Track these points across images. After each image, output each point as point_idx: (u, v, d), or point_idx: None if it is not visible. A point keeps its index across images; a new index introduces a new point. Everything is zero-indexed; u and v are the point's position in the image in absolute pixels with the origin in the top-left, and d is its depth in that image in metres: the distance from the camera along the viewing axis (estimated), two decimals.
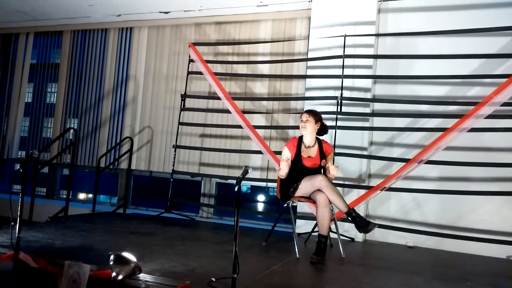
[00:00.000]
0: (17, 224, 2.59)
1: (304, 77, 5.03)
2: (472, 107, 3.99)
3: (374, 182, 4.48)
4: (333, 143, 4.38)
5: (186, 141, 5.74)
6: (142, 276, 2.51)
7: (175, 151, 5.31)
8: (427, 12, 4.66)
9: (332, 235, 3.88)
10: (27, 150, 6.91)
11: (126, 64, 6.33)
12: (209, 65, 5.21)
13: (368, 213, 4.62)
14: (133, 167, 5.96)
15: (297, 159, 3.56)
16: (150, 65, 6.16)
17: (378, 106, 4.76)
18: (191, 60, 5.30)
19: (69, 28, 6.67)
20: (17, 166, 6.31)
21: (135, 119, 6.18)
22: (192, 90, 5.74)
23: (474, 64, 4.37)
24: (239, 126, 4.95)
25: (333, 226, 3.73)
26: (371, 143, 4.72)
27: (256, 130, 4.84)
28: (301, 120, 3.57)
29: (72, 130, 5.66)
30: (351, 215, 3.31)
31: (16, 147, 6.91)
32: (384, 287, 2.78)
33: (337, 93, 4.52)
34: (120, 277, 2.36)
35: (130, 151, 5.85)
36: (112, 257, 2.39)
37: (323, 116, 3.68)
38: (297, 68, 5.35)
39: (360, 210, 4.19)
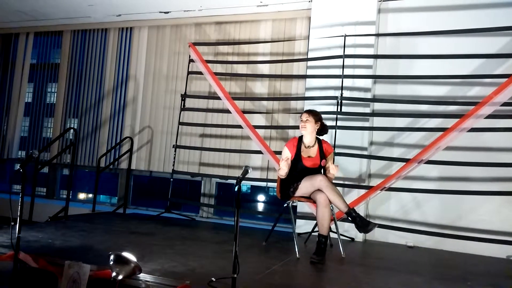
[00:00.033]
0: (17, 224, 2.59)
1: (304, 77, 5.03)
2: (472, 107, 4.00)
3: (374, 182, 4.48)
4: (333, 143, 4.38)
5: (186, 141, 5.74)
6: (142, 276, 2.51)
7: (175, 151, 5.31)
8: (427, 12, 4.66)
9: (332, 235, 3.88)
10: (27, 150, 6.91)
11: (126, 64, 6.33)
12: (209, 65, 5.21)
13: (368, 213, 4.62)
14: (133, 167, 5.96)
15: (297, 159, 3.56)
16: (150, 65, 6.16)
17: (378, 106, 4.77)
18: (191, 60, 5.30)
19: (69, 28, 6.67)
20: (17, 166, 6.31)
21: (135, 119, 6.18)
22: (192, 90, 5.74)
23: (474, 64, 4.37)
24: (239, 126, 4.95)
25: (333, 226, 3.73)
26: (371, 143, 4.72)
27: (256, 130, 4.84)
28: (301, 120, 3.57)
29: (72, 130, 5.66)
30: (351, 215, 3.31)
31: (16, 147, 6.91)
32: (384, 287, 2.78)
33: (337, 93, 4.52)
34: (120, 277, 2.36)
35: (130, 151, 5.85)
36: (112, 257, 2.39)
37: (323, 116, 3.68)
38: (297, 68, 5.35)
39: (360, 210, 4.19)
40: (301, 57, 5.28)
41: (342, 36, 4.60)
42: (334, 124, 4.43)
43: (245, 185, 6.36)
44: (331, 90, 4.65)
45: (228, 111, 4.99)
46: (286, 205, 3.64)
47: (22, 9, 6.22)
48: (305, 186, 3.43)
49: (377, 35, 4.75)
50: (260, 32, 5.63)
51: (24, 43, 7.02)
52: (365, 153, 4.56)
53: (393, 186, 4.20)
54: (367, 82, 4.65)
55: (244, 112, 5.01)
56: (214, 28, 5.86)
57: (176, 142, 5.32)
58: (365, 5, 4.69)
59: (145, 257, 2.97)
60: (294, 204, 3.90)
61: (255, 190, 6.65)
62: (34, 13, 6.35)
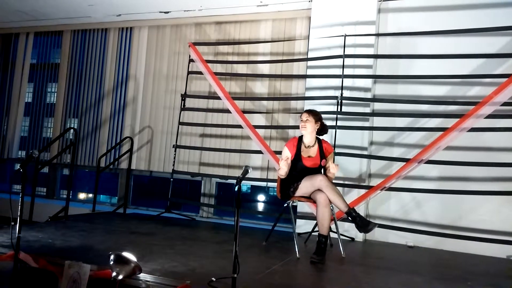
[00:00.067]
0: (17, 224, 2.59)
1: (304, 77, 5.03)
2: (472, 107, 4.00)
3: (374, 182, 4.48)
4: (333, 143, 4.38)
5: (186, 141, 5.74)
6: (142, 276, 2.51)
7: (175, 151, 5.31)
8: (427, 12, 4.66)
9: (332, 234, 3.88)
10: (27, 150, 6.91)
11: (126, 64, 6.33)
12: (209, 65, 5.21)
13: (368, 213, 4.62)
14: (133, 167, 5.96)
15: (297, 159, 3.56)
16: (150, 65, 6.16)
17: (378, 106, 4.76)
18: (191, 60, 5.30)
19: (69, 28, 6.67)
20: (17, 166, 6.31)
21: (135, 119, 6.18)
22: (192, 90, 5.74)
23: (474, 64, 4.37)
24: (239, 126, 4.95)
25: (333, 226, 3.73)
26: (371, 143, 4.72)
27: (256, 130, 4.84)
28: (301, 120, 3.57)
29: (72, 130, 5.66)
30: (351, 215, 3.31)
31: (16, 147, 6.91)
32: (384, 287, 2.78)
33: (337, 93, 4.52)
34: (120, 277, 2.36)
35: (130, 151, 5.85)
36: (112, 257, 2.39)
37: (323, 116, 3.68)
38: (297, 68, 5.35)
39: (360, 209, 4.19)
40: (301, 57, 5.28)
41: (342, 36, 4.60)
42: (334, 124, 4.43)
43: (245, 185, 6.37)
44: (331, 90, 4.65)
45: (228, 111, 4.99)
46: (286, 205, 3.64)
47: (22, 9, 6.22)
48: (305, 186, 3.43)
49: (377, 35, 4.75)
50: (260, 32, 5.63)
51: (24, 43, 7.02)
52: (365, 153, 4.56)
53: (393, 186, 4.20)
54: (367, 82, 4.65)
55: (244, 112, 5.01)
56: (214, 28, 5.86)
57: (176, 142, 5.32)
58: (365, 5, 4.69)
59: (145, 257, 2.97)
60: (294, 204, 3.90)
61: (255, 190, 6.65)
62: (34, 13, 6.35)
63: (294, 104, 5.32)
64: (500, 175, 4.12)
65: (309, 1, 5.07)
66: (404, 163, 4.17)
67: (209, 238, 4.28)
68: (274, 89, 5.46)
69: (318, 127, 3.58)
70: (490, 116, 3.92)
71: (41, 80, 6.96)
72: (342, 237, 3.90)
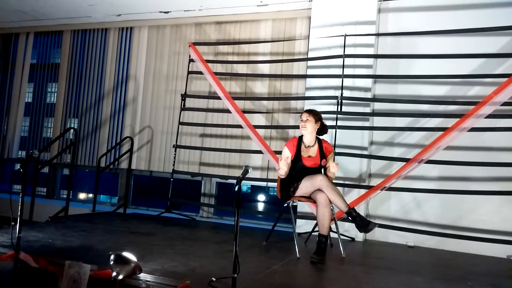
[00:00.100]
0: (18, 224, 2.59)
1: (304, 76, 5.03)
2: (473, 106, 3.99)
3: (375, 182, 4.48)
4: (333, 143, 4.38)
5: (186, 141, 5.74)
6: (143, 276, 2.51)
7: (175, 151, 5.31)
8: (427, 12, 4.66)
9: (333, 234, 3.88)
10: (27, 150, 6.91)
11: (126, 64, 6.33)
12: (209, 64, 5.20)
13: (369, 213, 4.62)
14: (133, 167, 5.96)
15: (297, 159, 3.56)
16: (150, 65, 6.16)
17: (378, 106, 4.76)
18: (191, 60, 5.30)
19: (69, 28, 6.67)
20: (17, 166, 6.31)
21: (135, 119, 6.18)
22: (192, 90, 5.74)
23: (474, 64, 4.37)
24: (239, 126, 4.95)
25: (333, 226, 3.73)
26: (372, 143, 4.72)
27: (256, 129, 4.84)
28: (301, 120, 3.57)
29: (72, 130, 5.66)
30: (352, 215, 3.31)
31: (16, 147, 6.91)
32: (385, 287, 2.78)
33: (337, 93, 4.52)
34: (120, 277, 2.36)
35: (130, 151, 5.85)
36: (112, 257, 2.39)
37: (323, 115, 3.68)
38: (297, 68, 5.35)
39: (361, 209, 4.19)
40: (301, 56, 5.28)
41: (342, 35, 4.60)
42: (334, 124, 4.43)
43: (245, 185, 6.37)
44: (331, 90, 4.65)
45: (228, 111, 4.99)
46: (286, 205, 3.64)
47: (22, 9, 6.22)
48: (305, 186, 3.43)
49: (377, 34, 4.75)
50: (260, 32, 5.63)
51: (24, 43, 7.02)
52: (365, 152, 4.56)
53: (393, 185, 4.20)
54: (367, 82, 4.64)
55: (244, 112, 5.01)
56: (214, 28, 5.86)
57: (176, 142, 5.32)
58: (365, 4, 4.69)
59: (145, 257, 2.97)
60: (294, 204, 3.90)
61: (255, 190, 6.65)
62: (34, 13, 6.35)
63: (294, 104, 5.32)
64: (500, 175, 4.12)
65: (309, 1, 5.07)
66: (404, 163, 4.17)
67: (209, 238, 4.28)
68: (274, 89, 5.46)
69: (318, 127, 3.58)
70: (490, 116, 3.92)
71: (41, 80, 6.96)
72: (342, 237, 3.90)
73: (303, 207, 4.59)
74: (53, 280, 2.67)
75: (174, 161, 5.31)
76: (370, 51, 4.66)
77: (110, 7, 5.88)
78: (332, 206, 3.45)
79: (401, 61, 4.67)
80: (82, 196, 7.05)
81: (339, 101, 4.47)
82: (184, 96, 5.30)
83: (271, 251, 3.68)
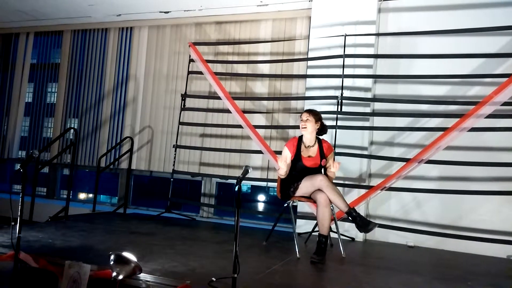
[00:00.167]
0: (18, 224, 2.59)
1: (305, 76, 5.03)
2: (473, 106, 3.99)
3: (375, 182, 4.48)
4: (333, 143, 4.38)
5: (186, 141, 5.74)
6: (143, 276, 2.51)
7: (175, 151, 5.31)
8: (427, 12, 4.66)
9: (333, 234, 3.88)
10: (27, 150, 6.91)
11: (126, 64, 6.33)
12: (209, 64, 5.20)
13: (369, 213, 4.62)
14: (133, 167, 5.96)
15: (297, 159, 3.56)
16: (150, 65, 6.16)
17: (378, 106, 4.76)
18: (191, 60, 5.30)
19: (69, 28, 6.67)
20: (18, 166, 6.31)
21: (135, 119, 6.18)
22: (192, 90, 5.74)
23: (474, 64, 4.37)
24: (240, 126, 4.95)
25: (333, 226, 3.73)
26: (372, 143, 4.72)
27: (256, 129, 4.84)
28: (301, 120, 3.57)
29: (72, 130, 5.66)
30: (352, 215, 3.31)
31: (16, 147, 6.91)
32: (385, 286, 2.78)
33: (337, 93, 4.52)
34: (120, 277, 2.36)
35: (131, 151, 5.85)
36: (112, 257, 2.39)
37: (323, 115, 3.68)
38: (298, 68, 5.35)
39: (361, 209, 4.19)
40: (301, 56, 5.28)
41: (342, 35, 4.60)
42: (334, 124, 4.43)
43: (245, 185, 6.37)
44: (331, 90, 4.65)
45: (228, 111, 4.99)
46: (286, 205, 3.64)
47: (22, 9, 6.22)
48: (306, 186, 3.43)
49: (377, 34, 4.75)
50: (260, 32, 5.63)
51: (24, 43, 7.02)
52: (365, 152, 4.56)
53: (393, 186, 4.19)
54: (367, 82, 4.64)
55: (244, 112, 5.01)
56: (214, 28, 5.86)
57: (176, 142, 5.32)
58: (365, 4, 4.69)
59: (146, 257, 2.97)
60: (295, 204, 3.90)
61: (255, 190, 6.65)
62: (34, 13, 6.35)
63: (294, 104, 5.32)
64: (500, 175, 4.12)
65: (309, 1, 5.07)
66: (404, 163, 4.17)
67: (209, 238, 4.27)
68: (274, 89, 5.46)
69: (318, 127, 3.58)
70: (490, 116, 3.92)
71: (41, 80, 6.97)
72: (342, 237, 3.90)
73: (303, 207, 4.59)
74: (53, 280, 2.67)
75: (174, 161, 5.31)
76: (370, 51, 4.66)
77: (110, 7, 5.88)
78: (332, 206, 3.45)
79: (401, 61, 4.67)
80: (82, 196, 7.05)
81: (339, 101, 4.47)
82: (184, 96, 5.30)
83: (271, 251, 3.68)
